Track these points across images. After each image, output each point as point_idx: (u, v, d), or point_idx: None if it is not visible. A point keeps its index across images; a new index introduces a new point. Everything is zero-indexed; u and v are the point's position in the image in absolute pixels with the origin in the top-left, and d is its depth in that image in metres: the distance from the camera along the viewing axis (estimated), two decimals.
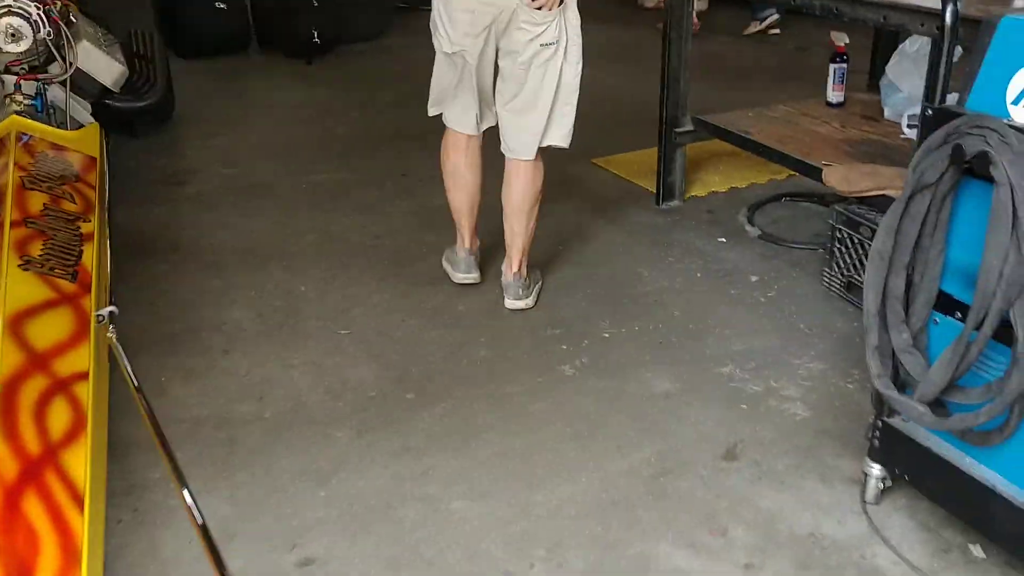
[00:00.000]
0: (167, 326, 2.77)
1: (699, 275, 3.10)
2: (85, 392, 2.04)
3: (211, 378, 2.51)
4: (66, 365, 2.09)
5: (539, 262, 3.08)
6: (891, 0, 2.63)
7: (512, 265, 2.89)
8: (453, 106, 2.83)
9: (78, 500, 1.74)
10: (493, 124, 2.85)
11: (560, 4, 2.58)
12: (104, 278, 2.60)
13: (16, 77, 3.31)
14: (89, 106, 3.62)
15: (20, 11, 3.29)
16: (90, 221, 2.80)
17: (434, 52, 2.79)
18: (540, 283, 3.01)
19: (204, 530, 1.56)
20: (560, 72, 2.67)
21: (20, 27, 3.25)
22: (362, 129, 4.66)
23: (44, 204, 2.75)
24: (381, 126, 4.68)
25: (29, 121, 3.21)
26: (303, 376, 2.53)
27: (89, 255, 2.60)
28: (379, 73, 5.82)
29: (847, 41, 3.52)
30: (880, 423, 1.95)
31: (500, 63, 2.71)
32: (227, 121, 4.87)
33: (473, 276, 3.02)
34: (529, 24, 2.60)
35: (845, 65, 3.54)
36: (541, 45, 2.63)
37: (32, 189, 2.80)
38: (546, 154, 2.81)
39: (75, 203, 2.87)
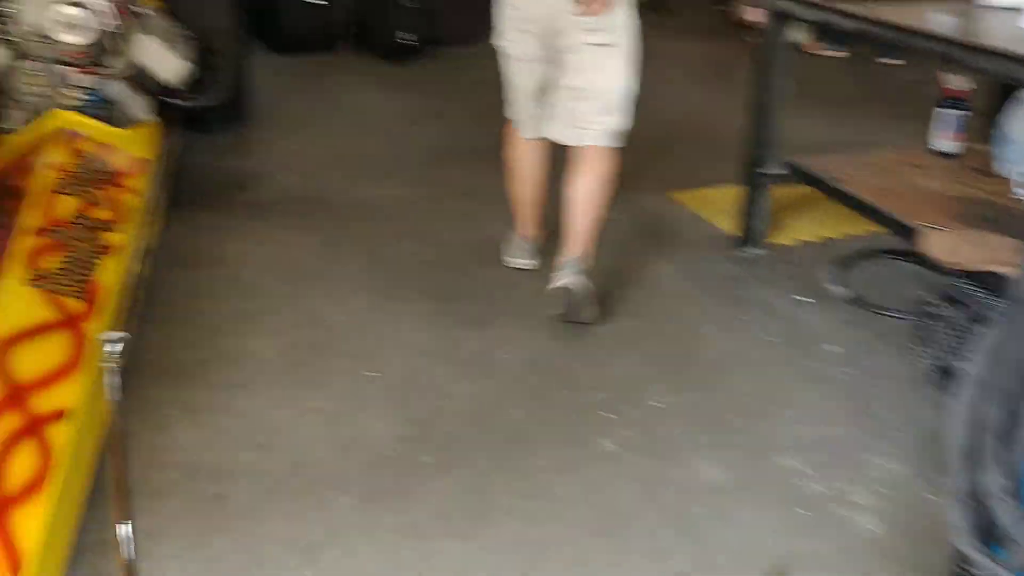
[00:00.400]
0: (187, 353, 2.59)
1: (773, 341, 2.77)
2: (61, 434, 1.87)
3: (217, 419, 2.32)
4: (45, 401, 1.92)
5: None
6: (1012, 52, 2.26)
7: (572, 247, 2.75)
8: (515, 101, 2.91)
9: (14, 568, 1.55)
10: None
11: (606, 7, 2.55)
12: (122, 296, 2.44)
13: (70, 70, 3.20)
14: (149, 103, 3.49)
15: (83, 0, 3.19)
16: (119, 231, 2.66)
17: None
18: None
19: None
20: (613, 69, 2.66)
21: (80, 17, 3.14)
22: (437, 141, 4.45)
23: (75, 210, 2.61)
24: (457, 139, 4.46)
25: (77, 116, 3.09)
26: (315, 425, 2.31)
27: (107, 270, 2.45)
28: (468, 80, 5.58)
29: (964, 85, 3.10)
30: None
31: (557, 57, 2.71)
32: (302, 123, 4.73)
33: (528, 263, 3.00)
34: (580, 27, 2.60)
35: (960, 112, 3.12)
36: (594, 45, 2.62)
37: (65, 193, 2.66)
38: (614, 157, 2.76)
39: (108, 210, 2.72)
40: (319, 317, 2.82)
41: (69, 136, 2.99)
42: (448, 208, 3.64)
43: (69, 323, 2.17)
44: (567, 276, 2.69)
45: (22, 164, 2.87)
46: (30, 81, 3.09)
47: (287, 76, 5.72)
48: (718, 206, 3.61)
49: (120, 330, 2.32)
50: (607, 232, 2.92)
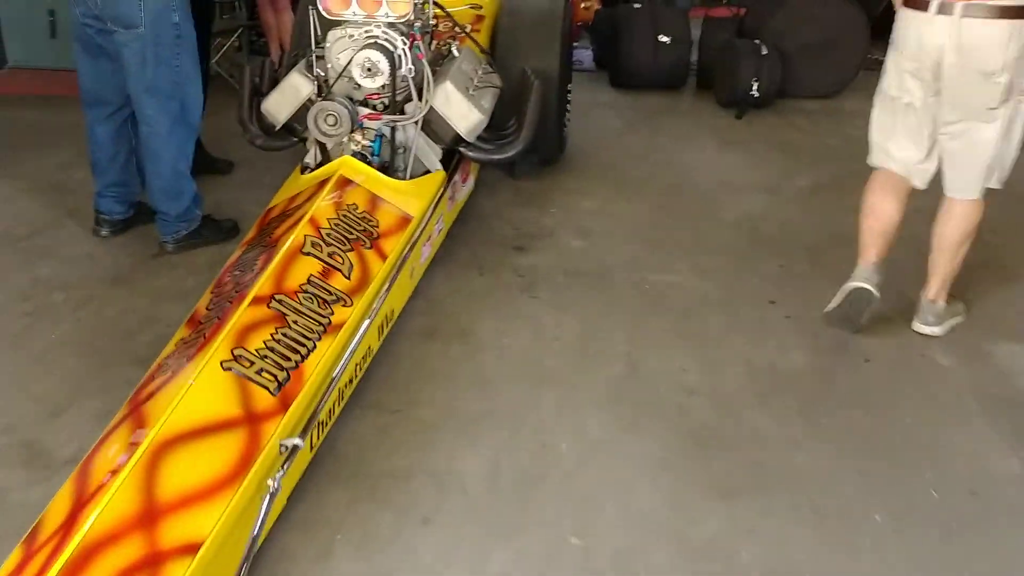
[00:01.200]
0: (385, 461, 2.30)
1: None
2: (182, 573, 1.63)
3: (385, 555, 1.99)
4: (181, 528, 1.70)
5: None
6: None
7: (929, 291, 2.93)
8: (889, 143, 2.90)
9: None
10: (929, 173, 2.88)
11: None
12: (322, 386, 2.21)
13: (365, 112, 3.07)
14: (440, 151, 3.29)
15: (386, 43, 3.04)
16: (352, 304, 2.43)
17: None
18: (959, 319, 3.00)
19: None
20: (994, 127, 2.70)
21: (378, 62, 2.99)
22: (758, 219, 3.86)
23: (310, 276, 2.42)
24: (781, 221, 3.84)
25: (359, 164, 2.95)
26: None
27: (319, 355, 2.22)
28: (813, 144, 4.91)
29: None
30: None
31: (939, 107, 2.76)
32: (614, 173, 4.36)
33: (866, 286, 2.88)
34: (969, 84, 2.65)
35: None
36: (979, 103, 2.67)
37: (309, 254, 2.49)
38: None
39: (349, 277, 2.52)
40: (543, 439, 2.40)
41: (342, 184, 2.85)
42: (743, 315, 3.06)
43: (248, 422, 1.96)
44: (925, 323, 2.94)
45: (295, 210, 2.78)
46: (327, 120, 2.99)
47: (617, 114, 5.39)
48: None
49: (312, 427, 2.14)
50: None
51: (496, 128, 3.71)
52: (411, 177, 3.17)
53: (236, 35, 5.76)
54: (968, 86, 2.67)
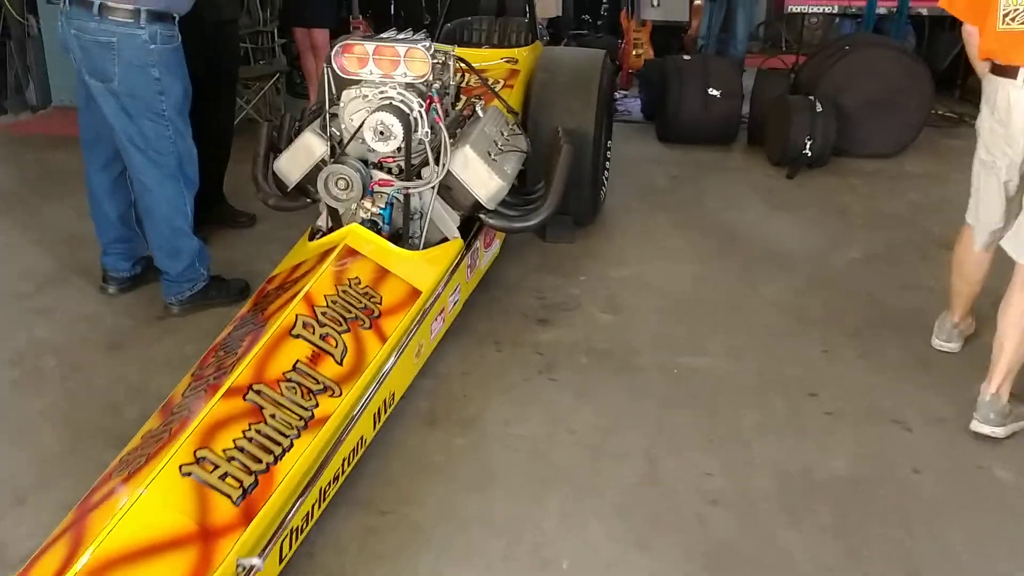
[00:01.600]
0: (366, 573, 2.09)
1: None
2: None
3: None
4: None
5: None
6: None
7: (991, 383, 2.67)
8: (980, 204, 2.91)
9: None
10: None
11: None
12: (296, 491, 2.00)
13: (378, 177, 2.90)
14: (458, 218, 3.10)
15: (401, 105, 2.86)
16: (341, 394, 2.23)
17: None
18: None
19: None
20: None
21: (391, 125, 2.81)
22: (802, 294, 3.58)
23: (296, 363, 2.23)
24: (827, 297, 3.56)
25: (366, 232, 2.77)
26: None
27: (300, 453, 2.02)
28: (869, 209, 4.60)
29: None
30: None
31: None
32: (653, 238, 4.13)
33: (951, 346, 3.08)
34: None
35: None
36: None
37: (299, 336, 2.30)
38: None
39: (341, 363, 2.32)
40: (544, 553, 2.16)
41: (347, 255, 2.67)
42: (777, 409, 2.79)
43: (202, 538, 1.76)
44: (985, 421, 2.66)
45: (293, 283, 2.60)
46: (338, 184, 2.83)
47: (661, 171, 5.16)
48: None
49: (279, 539, 1.93)
50: None
51: (524, 191, 3.52)
52: (426, 245, 2.99)
53: (273, 80, 5.68)
54: None
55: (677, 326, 3.30)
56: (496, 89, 3.80)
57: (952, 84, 6.80)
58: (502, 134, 3.35)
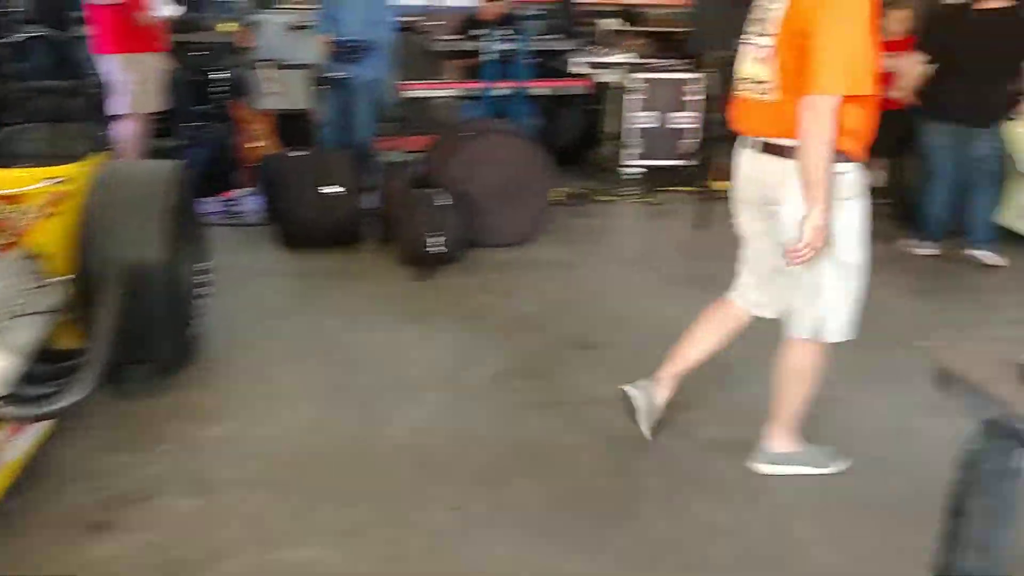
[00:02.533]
0: None
1: None
2: None
3: None
4: None
5: None
6: None
7: (769, 431, 2.84)
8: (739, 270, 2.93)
9: None
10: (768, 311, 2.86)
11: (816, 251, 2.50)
12: None
13: None
14: None
15: None
16: None
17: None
18: (800, 468, 2.83)
19: None
20: (822, 269, 2.59)
21: None
22: (428, 433, 3.10)
23: None
24: (455, 432, 3.11)
25: None
26: None
27: None
28: (504, 311, 4.28)
29: None
30: None
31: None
32: (259, 380, 3.47)
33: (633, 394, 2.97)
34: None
35: None
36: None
37: None
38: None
39: None
40: None
41: None
42: None
43: None
44: (755, 460, 2.84)
45: None
46: None
47: (279, 286, 4.55)
48: None
49: None
50: None
51: (70, 354, 2.74)
52: None
53: None
54: None
55: (280, 503, 2.67)
56: (27, 223, 2.98)
57: (577, 160, 6.91)
58: (21, 291, 2.56)
